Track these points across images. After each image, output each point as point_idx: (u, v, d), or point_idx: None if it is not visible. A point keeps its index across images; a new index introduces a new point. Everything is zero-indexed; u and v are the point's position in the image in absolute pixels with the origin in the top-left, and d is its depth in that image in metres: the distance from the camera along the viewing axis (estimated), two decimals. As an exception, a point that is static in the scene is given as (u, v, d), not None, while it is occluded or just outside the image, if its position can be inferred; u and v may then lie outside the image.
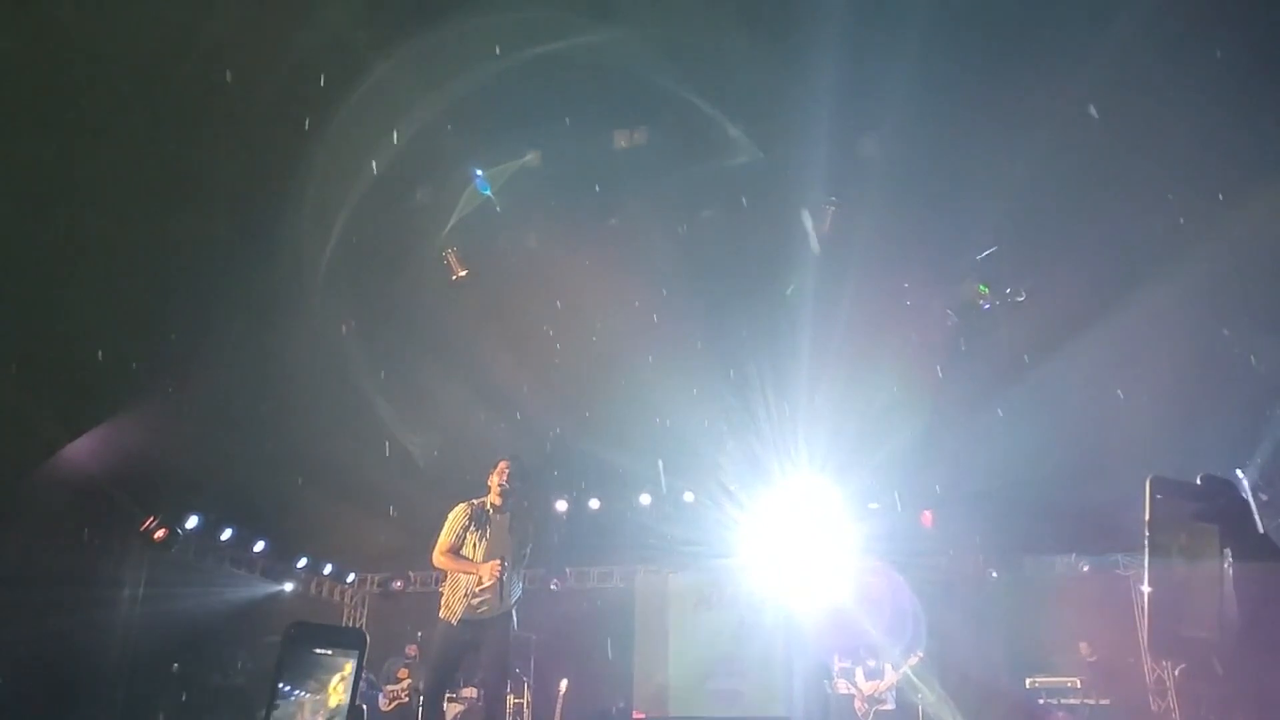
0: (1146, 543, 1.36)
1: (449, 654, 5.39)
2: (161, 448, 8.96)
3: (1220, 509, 1.37)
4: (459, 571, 5.35)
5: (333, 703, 1.55)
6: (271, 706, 1.50)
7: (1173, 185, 6.33)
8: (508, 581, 5.32)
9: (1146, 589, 1.37)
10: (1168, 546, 1.35)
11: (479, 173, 7.45)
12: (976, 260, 8.01)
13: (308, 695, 1.54)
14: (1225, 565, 1.33)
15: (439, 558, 5.40)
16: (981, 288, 8.28)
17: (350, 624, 12.95)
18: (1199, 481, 1.40)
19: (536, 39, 5.96)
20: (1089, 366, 8.16)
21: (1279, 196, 6.05)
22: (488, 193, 7.54)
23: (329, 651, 1.58)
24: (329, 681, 1.56)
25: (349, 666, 1.57)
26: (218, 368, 8.21)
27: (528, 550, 5.66)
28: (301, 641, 1.56)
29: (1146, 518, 1.36)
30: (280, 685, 1.51)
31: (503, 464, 5.58)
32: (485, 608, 5.27)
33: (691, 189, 7.61)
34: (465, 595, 5.29)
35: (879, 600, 11.17)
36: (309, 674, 1.54)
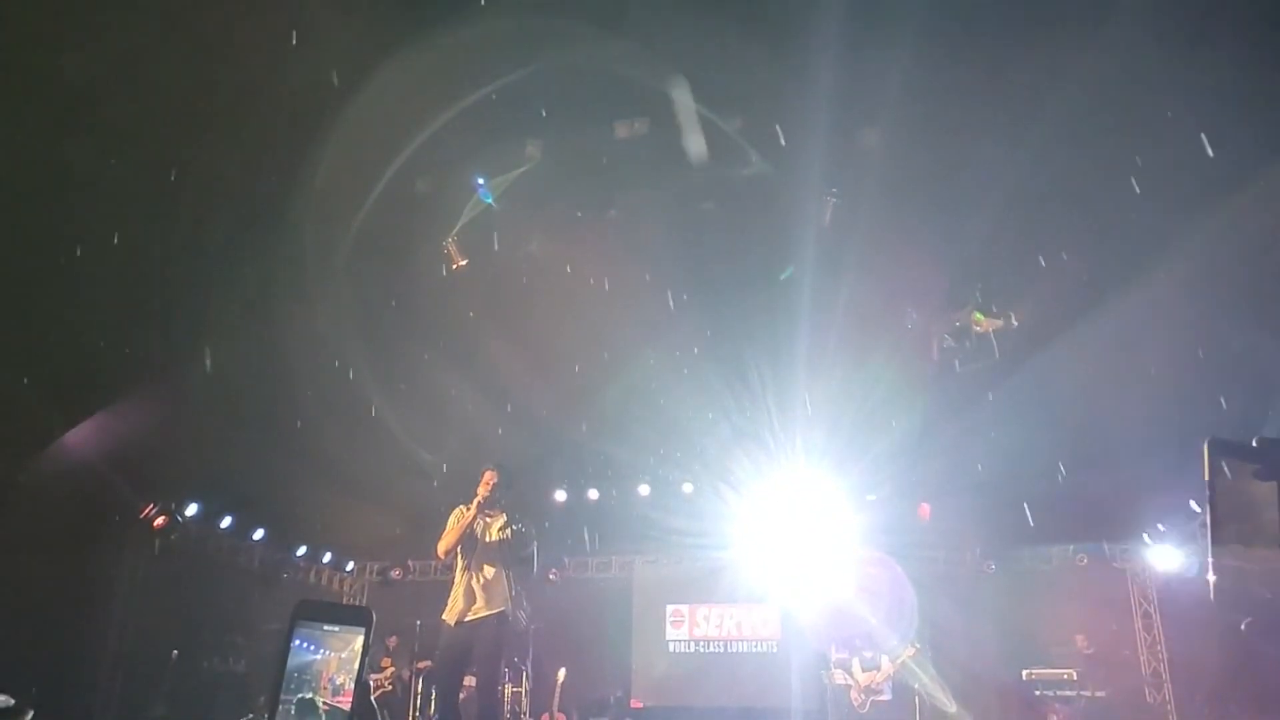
0: (1207, 503, 1.38)
1: (450, 656, 5.55)
2: (161, 435, 8.96)
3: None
4: (461, 530, 5.52)
5: (358, 664, 1.59)
6: (282, 676, 1.53)
7: (1171, 175, 6.33)
8: (503, 581, 5.46)
9: (1209, 549, 1.39)
10: (1229, 506, 1.37)
11: (480, 180, 7.49)
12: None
13: (333, 654, 1.57)
14: None
15: (442, 543, 5.58)
16: (978, 315, 8.36)
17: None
18: (1255, 444, 1.42)
19: (535, 35, 5.97)
20: (1086, 357, 8.18)
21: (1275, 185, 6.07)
22: (489, 200, 7.59)
23: (336, 628, 1.61)
24: (353, 642, 1.60)
25: (359, 640, 1.60)
26: (219, 356, 8.22)
27: (531, 551, 5.76)
28: (309, 618, 1.59)
29: (1206, 478, 1.38)
30: (297, 643, 1.55)
31: (488, 474, 5.70)
32: (478, 608, 5.45)
33: (690, 182, 7.61)
34: (463, 597, 5.48)
35: (877, 591, 11.22)
36: (324, 644, 1.57)
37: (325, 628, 1.60)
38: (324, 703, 1.57)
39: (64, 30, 5.26)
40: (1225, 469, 1.41)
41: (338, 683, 1.58)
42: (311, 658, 1.59)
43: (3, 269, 6.34)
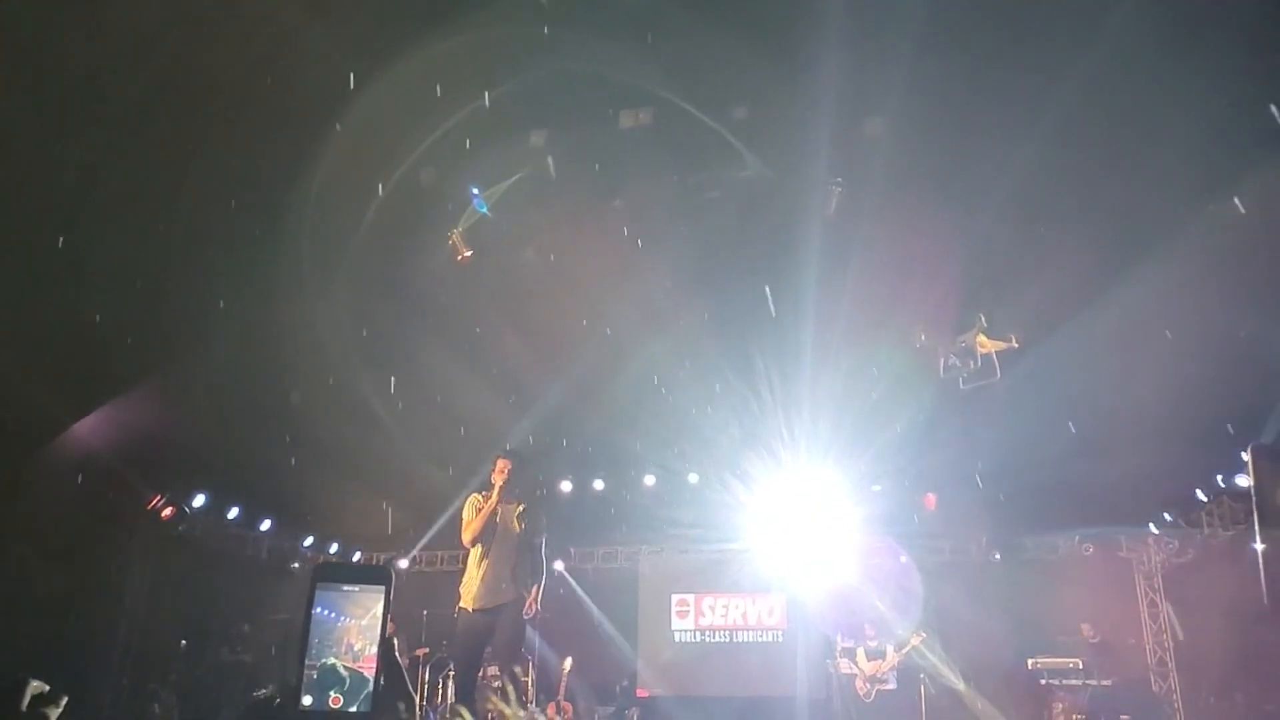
0: (1254, 505, 1.42)
1: (470, 640, 5.59)
2: (169, 426, 8.99)
3: None
4: (485, 517, 5.56)
5: (379, 628, 1.61)
6: (306, 637, 1.55)
7: (1177, 166, 6.31)
8: (519, 567, 5.48)
9: (1260, 548, 1.42)
10: (1273, 503, 1.41)
11: (486, 173, 7.52)
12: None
13: (353, 621, 1.59)
14: None
15: (468, 532, 5.64)
16: (981, 337, 8.43)
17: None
18: None
19: (540, 27, 5.97)
20: (1092, 345, 8.17)
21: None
22: (496, 192, 7.62)
23: (357, 588, 1.63)
24: (373, 607, 1.62)
25: (379, 605, 1.62)
26: (226, 346, 8.25)
27: (541, 539, 5.79)
28: (331, 579, 1.61)
29: (1252, 483, 1.43)
30: (318, 610, 1.57)
31: (502, 462, 5.71)
32: (499, 594, 5.50)
33: (696, 173, 7.62)
34: (481, 583, 5.49)
35: (883, 581, 11.24)
36: (344, 608, 1.59)
37: (345, 588, 1.62)
38: (345, 667, 1.59)
39: (69, 20, 5.27)
40: (1270, 472, 1.46)
41: (356, 648, 1.60)
42: (332, 624, 1.61)
43: (10, 260, 6.36)
